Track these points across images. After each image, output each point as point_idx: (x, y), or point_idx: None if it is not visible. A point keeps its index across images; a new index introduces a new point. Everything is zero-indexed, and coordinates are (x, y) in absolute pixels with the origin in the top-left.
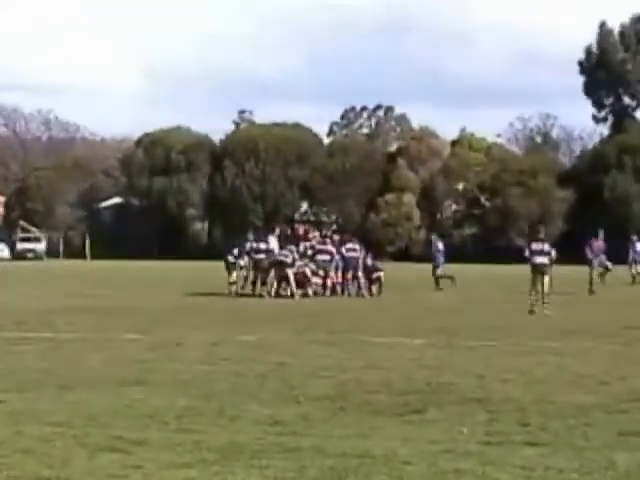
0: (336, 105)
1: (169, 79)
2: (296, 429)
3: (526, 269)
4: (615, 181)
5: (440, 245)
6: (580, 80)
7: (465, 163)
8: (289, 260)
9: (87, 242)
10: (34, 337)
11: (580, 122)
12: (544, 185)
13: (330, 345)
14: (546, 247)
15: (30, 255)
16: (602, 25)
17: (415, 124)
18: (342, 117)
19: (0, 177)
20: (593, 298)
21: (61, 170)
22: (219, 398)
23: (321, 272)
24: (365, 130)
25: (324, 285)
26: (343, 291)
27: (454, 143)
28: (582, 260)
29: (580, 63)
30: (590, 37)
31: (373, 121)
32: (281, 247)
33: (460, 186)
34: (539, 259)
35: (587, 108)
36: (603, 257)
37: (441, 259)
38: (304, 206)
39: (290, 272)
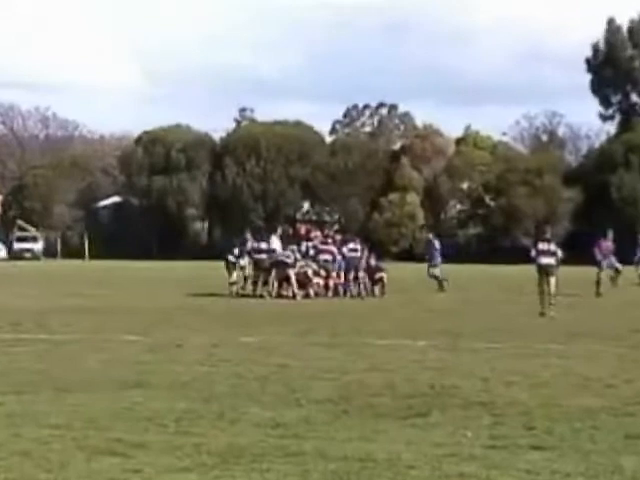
0: (338, 103)
1: (169, 76)
2: (298, 432)
3: (532, 270)
4: (622, 180)
5: (437, 244)
6: (587, 78)
7: (470, 162)
8: (290, 260)
9: (85, 242)
10: (31, 338)
11: (587, 120)
12: (550, 184)
13: (332, 347)
14: (552, 247)
15: (27, 255)
16: (610, 21)
17: (419, 122)
18: (344, 115)
19: None
20: (600, 300)
21: (59, 168)
22: (219, 401)
23: (323, 272)
24: (368, 128)
25: (326, 286)
26: (345, 292)
27: (459, 141)
28: (588, 261)
29: (587, 60)
30: (598, 34)
31: (376, 119)
32: (284, 247)
33: (465, 185)
34: (545, 260)
35: (594, 106)
36: (613, 258)
37: (438, 259)
38: (306, 205)
39: (291, 272)
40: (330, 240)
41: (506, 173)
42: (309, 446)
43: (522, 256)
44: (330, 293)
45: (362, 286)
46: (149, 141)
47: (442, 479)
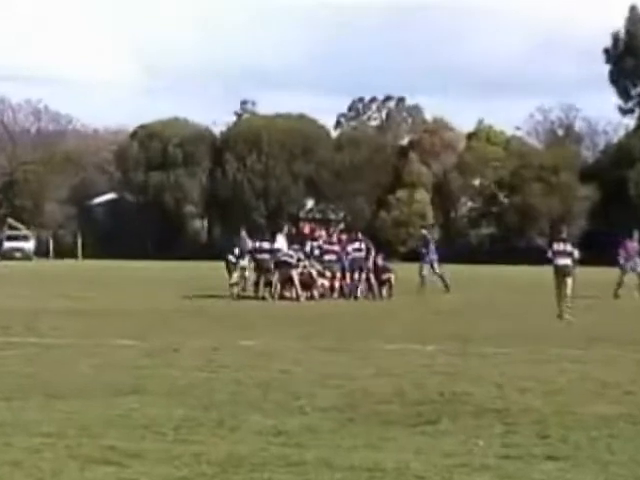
0: (343, 95)
1: (166, 67)
2: (301, 440)
3: (547, 271)
4: None
5: (432, 242)
6: (605, 69)
7: (482, 157)
8: (293, 260)
9: (79, 241)
10: (20, 342)
11: (605, 114)
12: (566, 181)
13: (338, 352)
14: (568, 247)
15: (18, 255)
16: (632, 9)
17: (428, 116)
18: (350, 108)
19: None
20: (618, 302)
21: (51, 164)
22: (219, 408)
23: (328, 273)
24: (374, 122)
25: (331, 287)
26: (350, 294)
27: (470, 136)
28: (606, 261)
29: (606, 50)
30: (617, 22)
31: (383, 113)
32: (288, 247)
33: (477, 182)
34: (561, 260)
35: (612, 99)
36: (638, 260)
37: (434, 257)
38: (310, 203)
39: (295, 273)
40: (335, 239)
41: (520, 169)
42: (312, 455)
43: (537, 257)
44: (335, 295)
45: (370, 287)
46: (146, 135)
47: None
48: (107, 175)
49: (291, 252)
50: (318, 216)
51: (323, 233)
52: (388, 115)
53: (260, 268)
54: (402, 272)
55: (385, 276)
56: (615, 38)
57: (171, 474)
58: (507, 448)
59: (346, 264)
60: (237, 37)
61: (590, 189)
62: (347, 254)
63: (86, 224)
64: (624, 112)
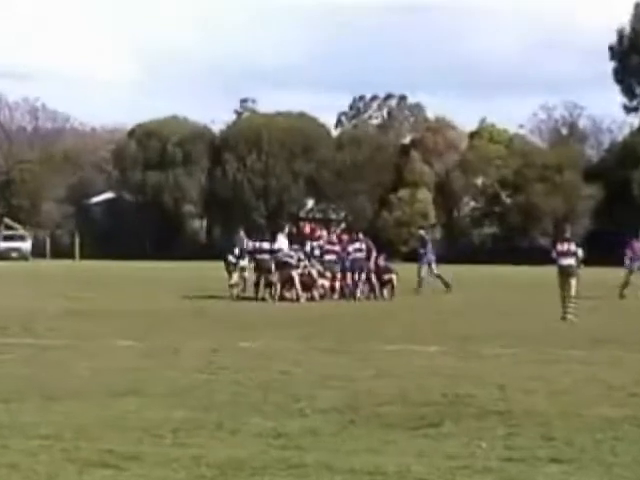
0: (344, 93)
1: (165, 65)
2: (301, 443)
3: (550, 271)
4: None
5: (429, 243)
6: (610, 66)
7: (485, 156)
8: (294, 261)
9: (76, 240)
10: (17, 343)
11: (609, 112)
12: (570, 180)
13: (338, 353)
14: (572, 247)
15: (14, 255)
16: (637, 7)
17: (430, 114)
18: (350, 107)
19: None
20: (623, 302)
21: (48, 163)
22: (218, 410)
23: (328, 274)
24: (376, 121)
25: (332, 288)
26: (352, 294)
27: (473, 135)
28: (610, 261)
29: (611, 47)
30: (622, 19)
31: (385, 111)
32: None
33: (479, 181)
34: (565, 261)
35: (617, 97)
36: None
37: (432, 257)
38: (310, 203)
39: (295, 274)
40: (336, 239)
41: (523, 168)
42: (313, 458)
43: (540, 257)
44: (336, 295)
45: (369, 288)
46: (144, 134)
47: None
48: (105, 174)
49: (291, 252)
50: (319, 216)
51: (324, 233)
52: (390, 113)
53: (260, 269)
54: (404, 272)
55: (387, 277)
56: (620, 35)
57: (169, 477)
58: (510, 450)
59: (347, 264)
60: (236, 35)
61: (594, 188)
62: (348, 254)
63: (84, 224)
64: (629, 110)
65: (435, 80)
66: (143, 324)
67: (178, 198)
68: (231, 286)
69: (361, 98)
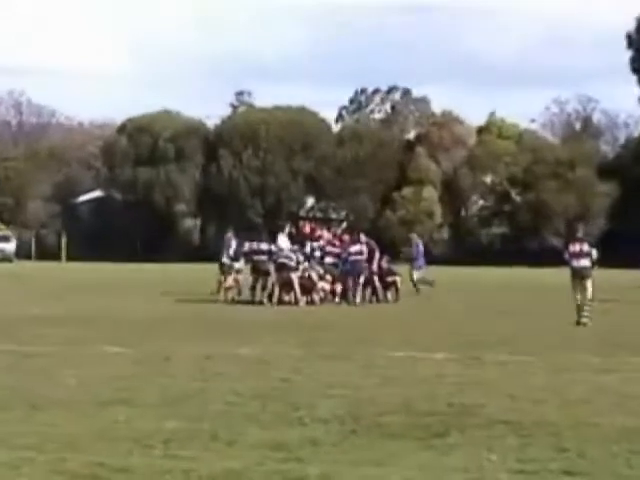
0: (345, 87)
1: (156, 57)
2: (301, 455)
3: (562, 272)
4: None
5: (421, 246)
6: (626, 57)
7: (493, 153)
8: (293, 263)
9: (62, 241)
10: (0, 350)
11: (625, 106)
12: (583, 178)
13: (340, 359)
14: (585, 248)
15: None
16: None
17: (436, 108)
18: (352, 100)
19: None
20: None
21: (33, 160)
22: (213, 420)
23: (329, 277)
24: (379, 115)
25: (332, 291)
26: (354, 298)
27: (481, 130)
28: (626, 262)
29: (628, 36)
30: (637, 8)
31: (388, 105)
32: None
33: (488, 179)
34: (578, 262)
35: (634, 90)
36: None
37: (421, 261)
38: (310, 201)
39: (294, 276)
40: (337, 240)
41: (534, 165)
42: (313, 470)
43: (552, 258)
44: (337, 299)
45: (372, 291)
46: (134, 129)
47: None
48: (93, 171)
49: (291, 254)
50: (319, 215)
51: (325, 233)
52: (393, 107)
53: (257, 271)
54: (408, 274)
55: (390, 279)
56: (639, 22)
57: None
58: (522, 463)
59: (347, 267)
60: (236, 33)
61: (610, 186)
62: (349, 254)
63: (71, 223)
64: None
65: (440, 73)
66: (133, 329)
67: (170, 196)
68: (226, 289)
69: (363, 91)
